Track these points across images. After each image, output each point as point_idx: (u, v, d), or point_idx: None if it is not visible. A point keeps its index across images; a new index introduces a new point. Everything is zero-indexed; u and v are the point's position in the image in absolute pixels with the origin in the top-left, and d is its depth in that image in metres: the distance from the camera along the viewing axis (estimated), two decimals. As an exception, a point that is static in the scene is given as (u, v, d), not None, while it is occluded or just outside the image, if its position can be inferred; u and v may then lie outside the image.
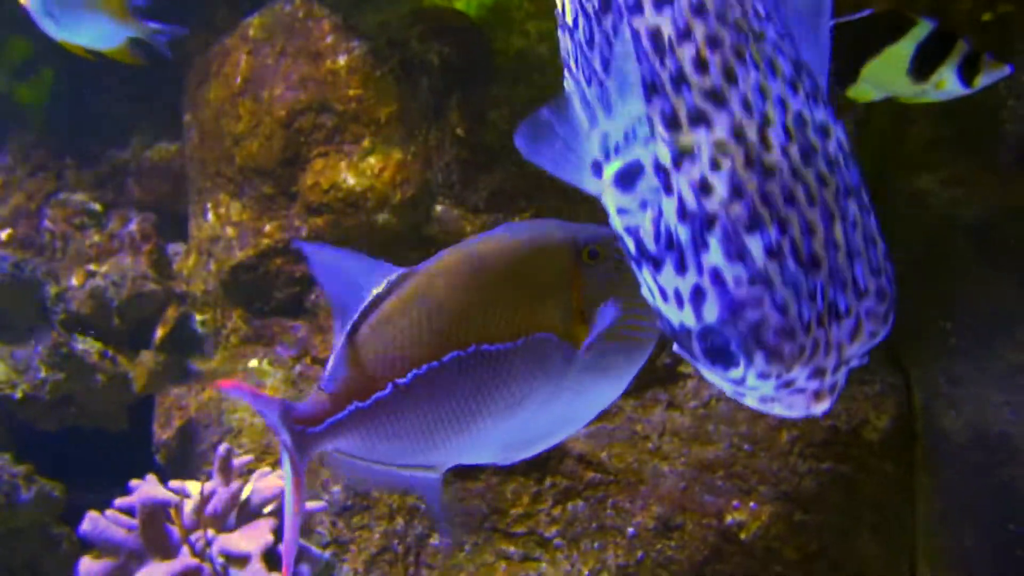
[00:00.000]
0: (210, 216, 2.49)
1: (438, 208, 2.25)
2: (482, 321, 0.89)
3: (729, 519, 1.72)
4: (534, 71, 1.96)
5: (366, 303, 0.96)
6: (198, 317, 2.48)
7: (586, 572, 1.75)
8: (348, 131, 2.29)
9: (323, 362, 2.28)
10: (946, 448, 1.71)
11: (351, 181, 2.25)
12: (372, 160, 2.26)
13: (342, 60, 2.30)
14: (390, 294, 0.95)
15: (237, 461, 1.84)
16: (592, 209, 2.05)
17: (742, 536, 1.71)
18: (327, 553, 1.90)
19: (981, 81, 1.35)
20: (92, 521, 1.67)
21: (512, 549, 1.83)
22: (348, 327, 0.97)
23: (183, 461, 2.21)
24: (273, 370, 2.30)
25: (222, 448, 1.78)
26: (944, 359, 1.71)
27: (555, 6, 0.97)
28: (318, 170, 2.29)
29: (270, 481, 1.80)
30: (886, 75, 1.39)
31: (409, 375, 0.91)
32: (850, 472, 1.73)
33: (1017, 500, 1.58)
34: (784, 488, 1.72)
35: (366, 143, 2.27)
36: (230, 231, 2.44)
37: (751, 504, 1.72)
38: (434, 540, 1.91)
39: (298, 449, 0.93)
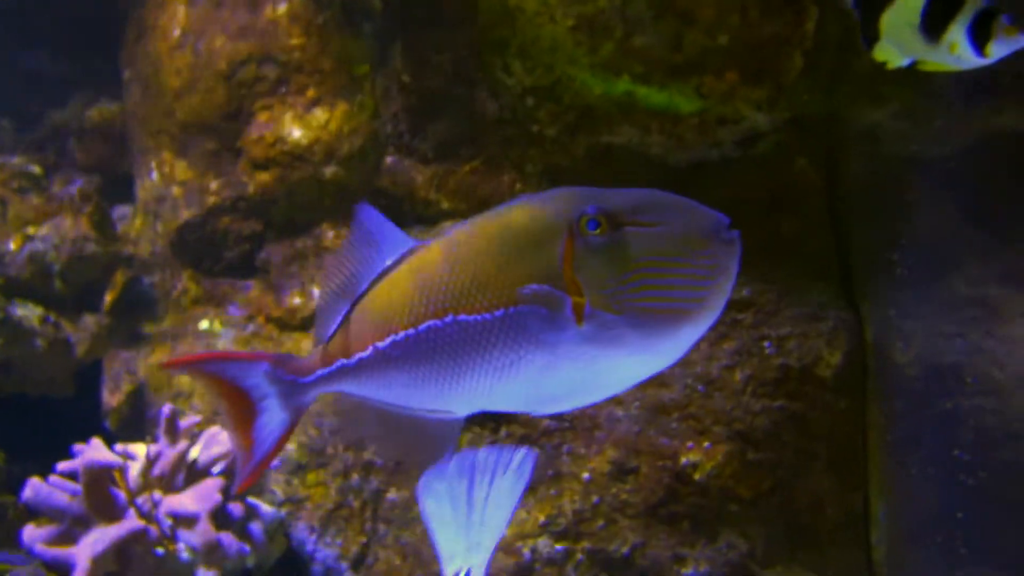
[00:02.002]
0: (154, 175, 2.42)
1: (388, 159, 2.19)
2: (462, 293, 0.92)
3: (683, 460, 1.71)
4: (477, 12, 1.89)
5: (376, 276, 1.01)
6: (147, 279, 2.41)
7: (542, 519, 1.74)
8: (292, 82, 2.21)
9: (276, 320, 2.23)
10: (897, 380, 1.70)
11: (297, 134, 2.18)
12: (318, 111, 2.19)
13: (282, 8, 2.22)
14: (396, 266, 1.00)
15: (185, 422, 1.81)
16: (542, 153, 2.00)
17: (696, 476, 1.70)
18: (282, 512, 1.87)
19: (994, 50, 1.16)
20: (34, 488, 1.63)
21: (469, 499, 1.82)
22: (356, 296, 1.02)
23: (135, 426, 2.17)
24: (225, 330, 2.25)
25: (167, 409, 1.74)
26: (893, 292, 1.70)
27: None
28: (263, 123, 2.22)
29: (219, 441, 1.76)
30: (901, 31, 1.23)
31: (387, 340, 0.97)
32: (803, 409, 1.72)
33: (962, 427, 1.59)
34: (738, 427, 1.71)
35: (311, 93, 2.20)
36: (175, 190, 2.37)
37: (705, 444, 1.71)
38: (391, 495, 1.89)
39: (286, 395, 1.04)
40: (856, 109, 1.87)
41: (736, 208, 0.93)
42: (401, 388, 0.98)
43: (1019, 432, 1.58)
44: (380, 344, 0.97)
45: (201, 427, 1.91)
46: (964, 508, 1.56)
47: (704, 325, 0.87)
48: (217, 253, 2.31)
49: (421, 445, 1.02)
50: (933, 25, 1.20)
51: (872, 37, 1.28)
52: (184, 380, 2.15)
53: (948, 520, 1.59)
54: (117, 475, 1.66)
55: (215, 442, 1.75)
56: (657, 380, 1.80)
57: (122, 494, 1.65)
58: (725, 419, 1.72)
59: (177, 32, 2.35)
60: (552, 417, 1.82)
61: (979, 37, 1.17)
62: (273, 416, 1.04)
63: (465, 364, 0.91)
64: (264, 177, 2.22)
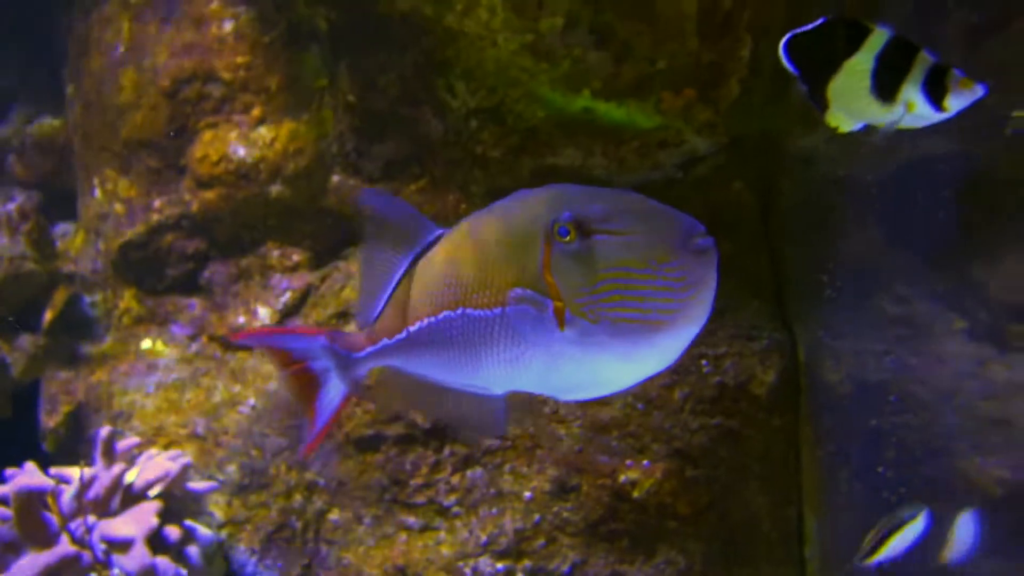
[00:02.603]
0: (97, 192, 2.39)
1: (334, 178, 2.19)
2: (469, 288, 0.95)
3: (623, 478, 1.74)
4: (422, 34, 1.91)
5: (408, 262, 1.08)
6: (88, 298, 2.37)
7: (484, 538, 1.75)
8: (237, 100, 2.21)
9: (219, 340, 2.21)
10: (828, 398, 1.75)
11: (242, 152, 2.17)
12: (263, 130, 2.18)
13: (228, 26, 2.21)
14: (424, 253, 1.06)
15: (122, 444, 1.78)
16: (487, 175, 2.03)
17: (635, 494, 1.73)
18: (221, 534, 1.85)
19: (952, 104, 1.16)
20: (-37, 513, 1.59)
21: (412, 520, 1.82)
22: (396, 279, 1.08)
23: (73, 448, 2.13)
24: (168, 350, 2.22)
25: (104, 431, 1.72)
26: (822, 312, 1.75)
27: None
28: (207, 141, 2.20)
29: (157, 463, 1.74)
30: (851, 97, 1.21)
31: (416, 325, 1.03)
32: (738, 426, 1.76)
33: (886, 445, 1.64)
34: (676, 445, 1.74)
35: (256, 112, 2.20)
36: (118, 207, 2.34)
37: (644, 462, 1.74)
38: (333, 515, 1.88)
39: (343, 368, 1.12)
40: (790, 134, 1.93)
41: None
42: (437, 368, 1.03)
43: (942, 448, 1.64)
44: (412, 328, 1.03)
45: (141, 449, 1.88)
46: (887, 524, 1.61)
47: (684, 335, 0.86)
48: (160, 271, 2.29)
49: (469, 415, 1.06)
50: (885, 87, 1.19)
51: (822, 104, 1.26)
52: (124, 401, 2.11)
53: (873, 536, 1.63)
54: (50, 499, 1.63)
55: (152, 465, 1.72)
56: (598, 399, 1.82)
57: (54, 519, 1.62)
58: (664, 437, 1.75)
59: (121, 48, 2.33)
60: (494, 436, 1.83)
61: (934, 93, 1.16)
62: (333, 387, 1.13)
63: (478, 355, 0.95)
64: (209, 195, 2.20)
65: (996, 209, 1.85)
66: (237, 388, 2.08)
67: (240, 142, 2.18)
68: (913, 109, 1.19)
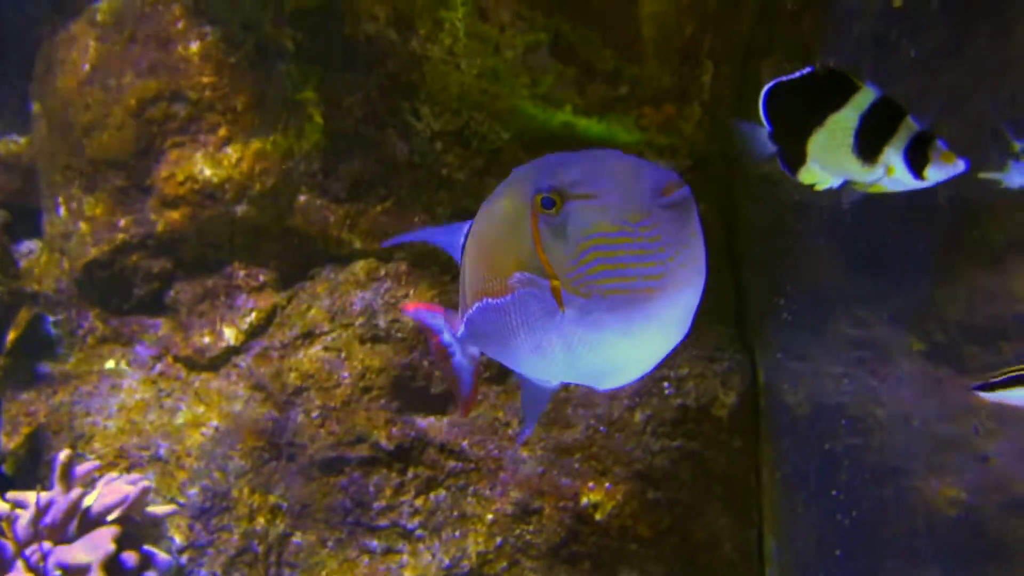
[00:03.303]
0: (62, 211, 2.37)
1: (301, 198, 2.19)
2: (486, 277, 0.90)
3: (585, 500, 1.74)
4: (387, 57, 1.92)
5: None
6: (52, 318, 2.35)
7: (447, 561, 1.75)
8: (204, 120, 2.20)
9: (184, 360, 2.20)
10: (787, 421, 1.77)
11: (207, 172, 2.16)
12: (230, 150, 2.18)
13: (194, 46, 2.21)
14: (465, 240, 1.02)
15: (82, 467, 1.76)
16: (452, 197, 2.03)
17: (597, 517, 1.73)
18: (182, 559, 1.83)
19: (931, 175, 1.12)
20: (-86, 540, 1.56)
21: (375, 543, 1.81)
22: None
23: (33, 470, 2.10)
24: (131, 371, 2.20)
25: (62, 455, 1.70)
26: (780, 335, 1.77)
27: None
28: (173, 161, 2.20)
29: (116, 487, 1.72)
30: (832, 153, 1.18)
31: (464, 317, 1.00)
32: (699, 448, 1.77)
33: (841, 467, 1.66)
34: (638, 467, 1.75)
35: (223, 132, 2.19)
36: (83, 226, 2.32)
37: (606, 485, 1.75)
38: (296, 538, 1.87)
39: (459, 345, 1.10)
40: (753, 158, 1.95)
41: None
42: (496, 355, 0.98)
43: (898, 469, 1.65)
44: (464, 320, 1.00)
45: (101, 471, 1.86)
46: (841, 546, 1.62)
47: (680, 302, 0.78)
48: (126, 291, 2.27)
49: (524, 400, 1.06)
50: (867, 147, 1.15)
51: (795, 162, 1.23)
52: (86, 423, 2.09)
53: (828, 558, 1.64)
54: (4, 525, 1.60)
55: (111, 489, 1.70)
56: (561, 421, 1.83)
57: (10, 546, 1.60)
58: (625, 459, 1.75)
59: (87, 67, 2.32)
60: (457, 458, 1.83)
61: (915, 161, 1.13)
62: (461, 361, 1.11)
63: (511, 346, 0.90)
64: (174, 215, 2.19)
65: (953, 231, 1.88)
66: (201, 409, 2.07)
67: (206, 162, 2.17)
68: (892, 173, 1.16)
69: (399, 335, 2.00)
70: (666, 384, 1.80)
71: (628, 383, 0.90)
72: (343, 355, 1.99)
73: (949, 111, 1.69)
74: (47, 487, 1.76)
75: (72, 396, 2.16)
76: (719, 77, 1.88)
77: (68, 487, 1.68)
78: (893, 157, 1.14)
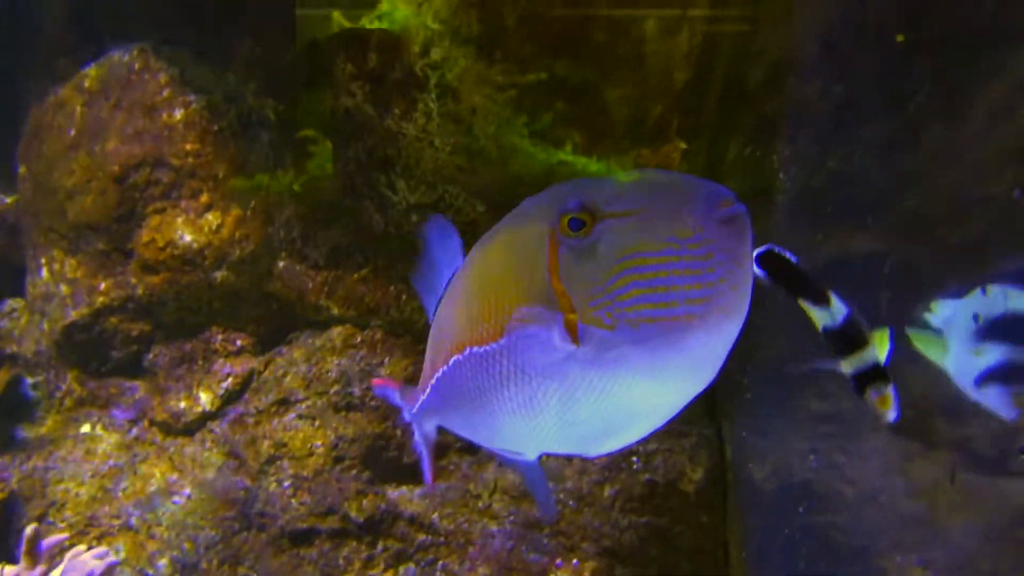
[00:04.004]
0: (44, 273, 2.39)
1: (280, 264, 2.22)
2: (471, 321, 0.80)
3: (553, 577, 1.74)
4: (364, 131, 1.96)
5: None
6: (30, 380, 2.36)
7: (414, 638, 1.74)
8: (186, 186, 2.24)
9: (160, 424, 2.20)
10: (754, 496, 1.77)
11: (188, 238, 2.19)
12: (210, 216, 2.21)
13: (178, 114, 2.25)
14: (445, 291, 0.91)
15: (50, 540, 1.75)
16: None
17: (565, 594, 1.73)
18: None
19: (864, 400, 1.11)
20: None
21: (343, 616, 1.81)
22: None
23: (4, 538, 2.09)
24: (106, 435, 2.21)
25: (29, 529, 1.69)
26: (744, 413, 1.78)
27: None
28: (154, 226, 2.23)
29: (82, 562, 1.71)
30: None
31: (434, 378, 0.88)
32: (667, 524, 1.78)
33: (807, 542, 1.66)
34: (606, 543, 1.75)
35: (204, 198, 2.23)
36: (64, 288, 2.34)
37: (574, 561, 1.75)
38: (265, 610, 1.86)
39: (415, 421, 1.03)
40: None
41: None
42: (464, 427, 0.88)
43: (865, 548, 1.66)
44: (432, 383, 0.88)
45: (71, 542, 1.85)
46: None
47: (719, 334, 0.70)
48: (105, 354, 2.29)
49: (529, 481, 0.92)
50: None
51: None
52: (58, 489, 2.09)
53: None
54: (-32, 602, 1.60)
55: (77, 563, 1.70)
56: (531, 496, 1.83)
57: (-28, 623, 1.59)
58: (594, 535, 1.76)
59: (73, 132, 2.36)
60: (427, 531, 1.83)
61: (859, 384, 1.10)
62: (418, 438, 1.05)
63: (492, 405, 0.80)
64: (154, 280, 2.22)
65: (919, 304, 1.90)
66: (174, 477, 2.07)
67: (186, 228, 2.20)
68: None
69: (373, 403, 2.02)
70: (635, 459, 1.81)
71: (623, 446, 0.80)
72: (317, 424, 2.00)
73: (902, 196, 1.73)
74: (15, 559, 1.75)
75: (46, 461, 2.16)
76: (689, 155, 1.92)
77: (34, 562, 1.67)
78: (844, 369, 1.11)
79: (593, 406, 0.75)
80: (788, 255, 1.08)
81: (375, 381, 1.50)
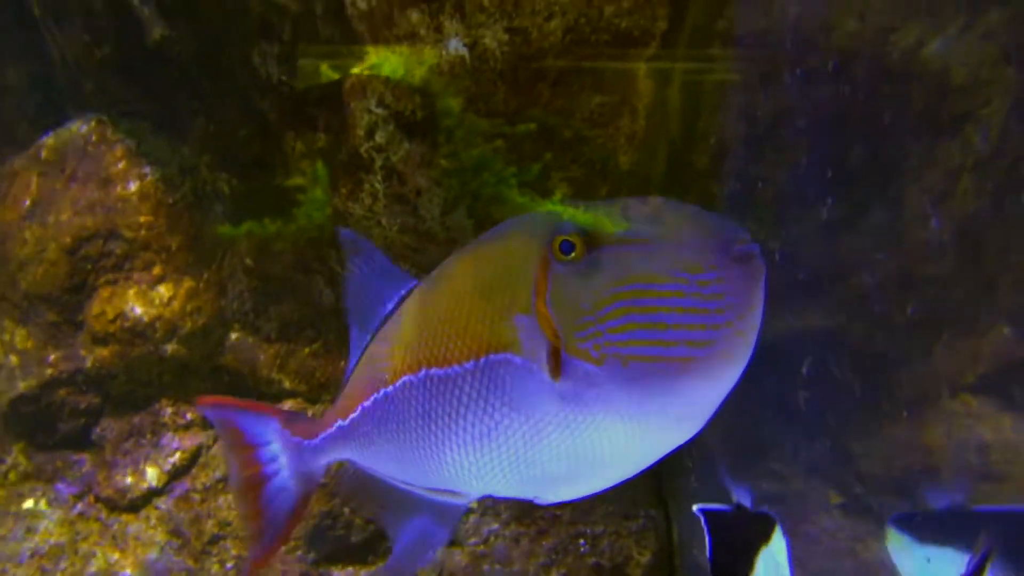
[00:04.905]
0: (-7, 343, 2.36)
1: (233, 336, 2.20)
2: (435, 341, 0.72)
3: (496, 667, 1.70)
4: (313, 208, 1.97)
5: (377, 324, 0.83)
6: (-25, 452, 2.31)
7: None
8: (138, 258, 2.23)
9: (105, 500, 2.16)
10: (700, 582, 1.76)
11: (138, 311, 2.18)
12: (162, 288, 2.20)
13: (133, 187, 2.26)
14: (394, 310, 0.83)
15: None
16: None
17: None
18: None
19: None
20: None
21: None
22: (362, 349, 0.85)
23: (-63, 621, 2.03)
24: (50, 511, 2.16)
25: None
26: (692, 493, 1.77)
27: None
28: (105, 298, 2.21)
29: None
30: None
31: (370, 399, 0.80)
32: (613, 611, 1.75)
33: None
34: (551, 630, 1.72)
35: (156, 271, 2.22)
36: (13, 359, 2.31)
37: (518, 649, 1.71)
38: None
39: (296, 459, 0.89)
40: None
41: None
42: (391, 460, 0.79)
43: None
44: (366, 403, 0.80)
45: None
46: None
47: (720, 377, 0.63)
48: (52, 426, 2.25)
49: (414, 530, 0.83)
50: None
51: None
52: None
53: None
54: None
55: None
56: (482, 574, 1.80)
57: None
58: (539, 621, 1.72)
59: (27, 203, 2.35)
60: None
61: None
62: (282, 486, 0.89)
63: (440, 435, 0.72)
64: (103, 352, 2.19)
65: (868, 381, 1.91)
66: (115, 557, 2.02)
67: (137, 300, 2.19)
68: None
69: (322, 481, 1.99)
70: (582, 542, 1.79)
71: (580, 496, 0.73)
72: (263, 502, 1.96)
73: (847, 275, 1.75)
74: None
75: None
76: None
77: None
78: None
79: (561, 447, 0.69)
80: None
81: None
